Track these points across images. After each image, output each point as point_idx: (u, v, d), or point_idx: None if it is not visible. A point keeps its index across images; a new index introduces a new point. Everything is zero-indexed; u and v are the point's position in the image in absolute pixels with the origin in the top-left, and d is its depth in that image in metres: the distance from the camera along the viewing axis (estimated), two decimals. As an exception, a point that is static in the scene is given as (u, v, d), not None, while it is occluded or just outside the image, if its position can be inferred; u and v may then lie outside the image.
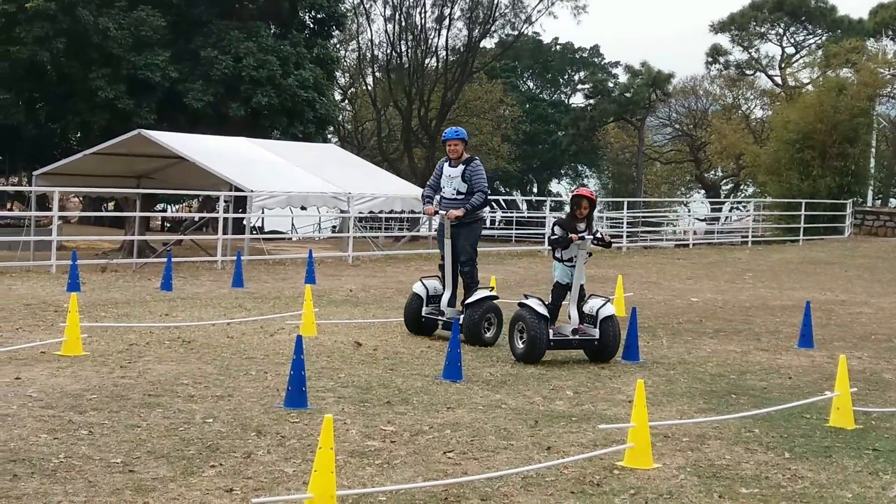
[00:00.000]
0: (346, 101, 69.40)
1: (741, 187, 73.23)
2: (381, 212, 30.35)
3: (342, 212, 28.04)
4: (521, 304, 11.45)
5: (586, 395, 9.89)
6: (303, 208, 30.72)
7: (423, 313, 12.66)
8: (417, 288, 12.84)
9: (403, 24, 58.00)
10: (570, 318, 11.44)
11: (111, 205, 52.91)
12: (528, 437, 8.11)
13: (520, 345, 11.35)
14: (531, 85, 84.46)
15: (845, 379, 8.83)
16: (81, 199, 56.01)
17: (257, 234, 31.46)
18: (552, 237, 11.64)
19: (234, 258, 19.77)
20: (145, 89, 39.17)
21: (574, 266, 11.43)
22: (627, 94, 65.33)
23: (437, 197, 12.70)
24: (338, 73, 57.32)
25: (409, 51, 58.54)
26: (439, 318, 12.49)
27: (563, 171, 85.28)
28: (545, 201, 36.91)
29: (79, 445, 7.25)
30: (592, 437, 8.16)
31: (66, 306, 11.75)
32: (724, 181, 74.65)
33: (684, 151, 73.36)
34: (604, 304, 11.47)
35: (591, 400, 9.66)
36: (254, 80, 39.55)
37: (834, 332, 14.73)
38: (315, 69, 42.37)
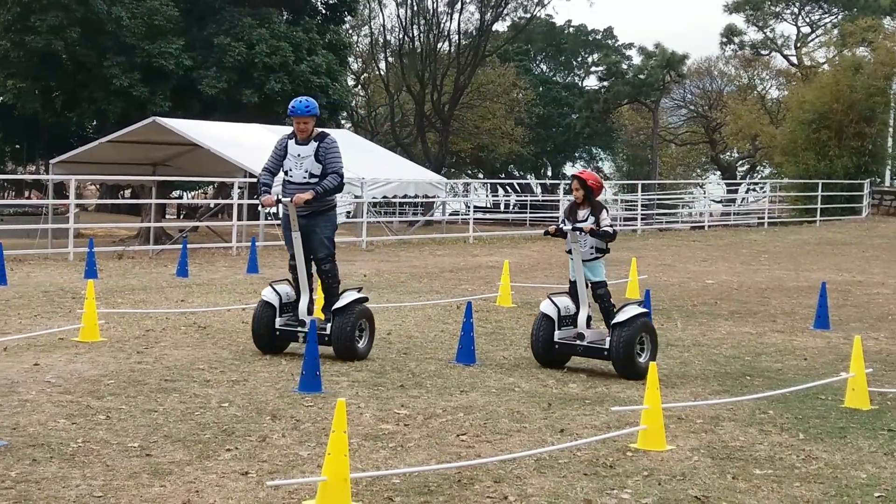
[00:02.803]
0: (359, 87, 69.40)
1: (757, 168, 73.04)
2: (394, 196, 30.37)
3: (356, 197, 28.09)
4: None
5: (600, 377, 9.92)
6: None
7: (276, 325, 10.27)
8: (268, 295, 10.36)
9: (416, 8, 57.95)
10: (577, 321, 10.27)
11: (128, 192, 53.05)
12: (542, 420, 8.15)
13: None
14: (544, 68, 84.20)
15: (860, 359, 8.83)
16: (98, 186, 56.20)
17: (272, 220, 31.54)
18: None
19: (249, 244, 19.83)
20: (160, 77, 39.22)
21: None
22: (641, 76, 65.10)
23: (279, 182, 10.30)
24: (350, 59, 57.30)
25: (422, 35, 58.51)
26: (299, 329, 10.20)
27: (577, 154, 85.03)
28: (559, 184, 36.86)
29: (97, 430, 7.31)
30: (606, 420, 8.19)
31: (83, 293, 11.82)
32: (740, 162, 74.46)
33: (699, 133, 73.14)
34: (621, 308, 9.98)
35: (605, 382, 9.68)
36: (267, 67, 39.53)
37: (850, 312, 14.70)
38: (327, 55, 42.32)
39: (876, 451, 7.46)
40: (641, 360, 9.86)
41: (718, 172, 73.71)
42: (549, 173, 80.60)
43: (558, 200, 33.34)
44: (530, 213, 44.93)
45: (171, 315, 12.71)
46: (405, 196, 30.78)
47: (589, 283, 10.08)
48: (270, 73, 39.61)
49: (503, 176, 78.03)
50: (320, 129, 10.26)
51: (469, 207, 32.09)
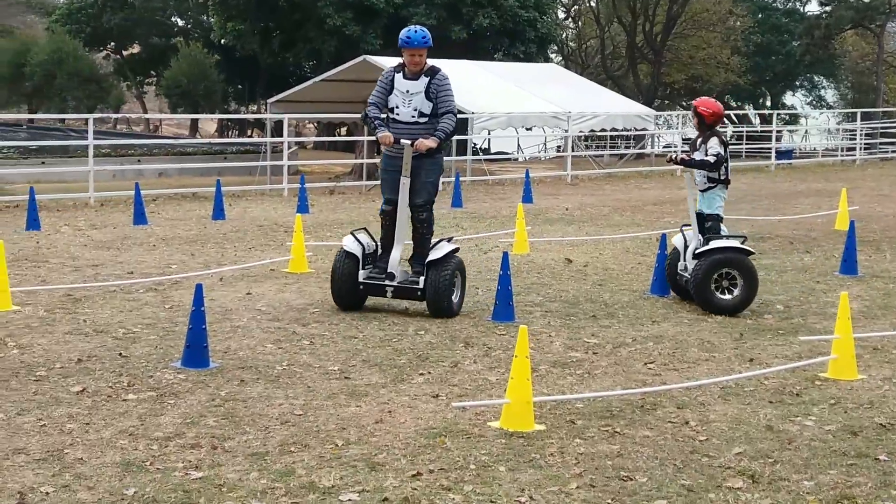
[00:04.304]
0: (570, 20, 68.78)
1: None
2: (601, 130, 30.23)
3: (565, 131, 28.11)
4: None
5: (797, 308, 9.81)
6: (528, 129, 30.97)
7: (360, 278, 9.25)
8: (350, 245, 9.32)
9: (628, -64, 56.78)
10: None
11: (343, 130, 54.60)
12: (732, 350, 8.18)
13: None
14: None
15: None
16: (316, 124, 57.99)
17: (481, 155, 31.93)
18: None
19: (453, 179, 20.22)
20: (371, 15, 40.11)
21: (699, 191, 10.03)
22: (866, 0, 62.04)
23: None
24: (561, -9, 56.86)
25: (634, -36, 57.33)
26: (387, 283, 9.22)
27: (797, 83, 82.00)
28: (776, 114, 35.71)
29: (300, 354, 7.79)
30: (798, 350, 8.15)
31: (294, 227, 12.40)
32: (975, 88, 70.21)
33: (929, 58, 69.26)
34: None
35: (802, 314, 9.58)
36: (475, 2, 39.86)
37: None
38: (536, -12, 42.28)
39: None
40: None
41: (951, 98, 69.77)
42: (769, 103, 78.11)
43: (776, 132, 32.45)
44: (746, 144, 43.79)
45: (376, 247, 13.17)
46: (613, 129, 30.60)
47: (703, 215, 9.88)
48: (479, 9, 39.93)
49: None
50: (431, 64, 9.23)
51: (678, 140, 31.62)
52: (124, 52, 62.86)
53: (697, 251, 9.66)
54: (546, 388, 7.04)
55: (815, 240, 14.35)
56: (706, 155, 9.71)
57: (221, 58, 51.73)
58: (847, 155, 35.62)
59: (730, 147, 10.01)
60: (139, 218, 15.34)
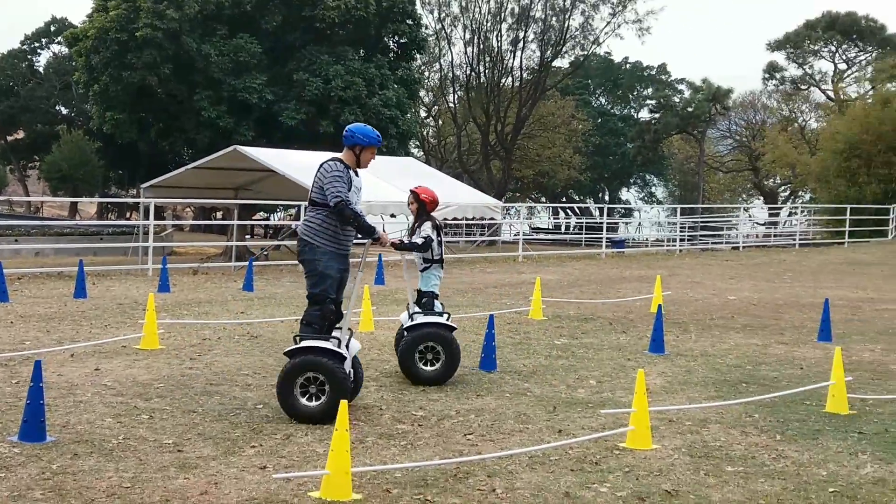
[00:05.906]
0: (431, 118, 69.79)
1: (799, 194, 72.13)
2: (454, 219, 30.49)
3: (418, 219, 28.22)
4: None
5: (608, 384, 9.92)
6: (392, 216, 31.01)
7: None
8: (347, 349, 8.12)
9: (481, 46, 58.21)
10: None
11: (220, 214, 53.88)
12: (545, 422, 8.19)
13: None
14: (603, 101, 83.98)
15: (840, 368, 8.75)
16: (193, 208, 57.15)
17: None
18: None
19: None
20: (244, 109, 39.97)
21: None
22: (689, 109, 64.70)
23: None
24: (422, 93, 57.66)
25: (487, 71, 58.72)
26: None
27: (631, 180, 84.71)
28: (613, 208, 36.66)
29: (138, 428, 7.51)
30: (603, 422, 8.21)
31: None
32: (782, 188, 73.56)
33: (743, 161, 72.42)
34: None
35: (612, 388, 9.68)
36: (342, 100, 40.09)
37: (856, 326, 14.46)
38: (399, 89, 42.78)
39: (842, 451, 7.40)
40: None
41: (762, 198, 72.89)
42: (607, 198, 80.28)
43: (616, 222, 33.28)
44: (586, 234, 44.78)
45: (228, 325, 12.93)
46: (465, 218, 30.90)
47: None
48: (345, 106, 40.17)
49: (564, 200, 77.93)
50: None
51: (526, 229, 32.13)
52: (9, 138, 61.19)
53: (405, 326, 9.68)
54: (370, 458, 6.92)
55: (632, 321, 14.62)
56: (419, 238, 9.70)
57: (103, 144, 50.79)
58: (672, 245, 36.66)
59: (443, 230, 10.01)
60: (1, 296, 14.71)
